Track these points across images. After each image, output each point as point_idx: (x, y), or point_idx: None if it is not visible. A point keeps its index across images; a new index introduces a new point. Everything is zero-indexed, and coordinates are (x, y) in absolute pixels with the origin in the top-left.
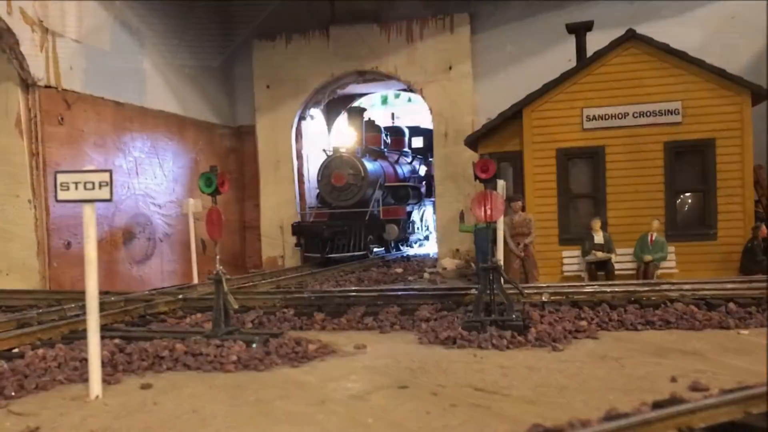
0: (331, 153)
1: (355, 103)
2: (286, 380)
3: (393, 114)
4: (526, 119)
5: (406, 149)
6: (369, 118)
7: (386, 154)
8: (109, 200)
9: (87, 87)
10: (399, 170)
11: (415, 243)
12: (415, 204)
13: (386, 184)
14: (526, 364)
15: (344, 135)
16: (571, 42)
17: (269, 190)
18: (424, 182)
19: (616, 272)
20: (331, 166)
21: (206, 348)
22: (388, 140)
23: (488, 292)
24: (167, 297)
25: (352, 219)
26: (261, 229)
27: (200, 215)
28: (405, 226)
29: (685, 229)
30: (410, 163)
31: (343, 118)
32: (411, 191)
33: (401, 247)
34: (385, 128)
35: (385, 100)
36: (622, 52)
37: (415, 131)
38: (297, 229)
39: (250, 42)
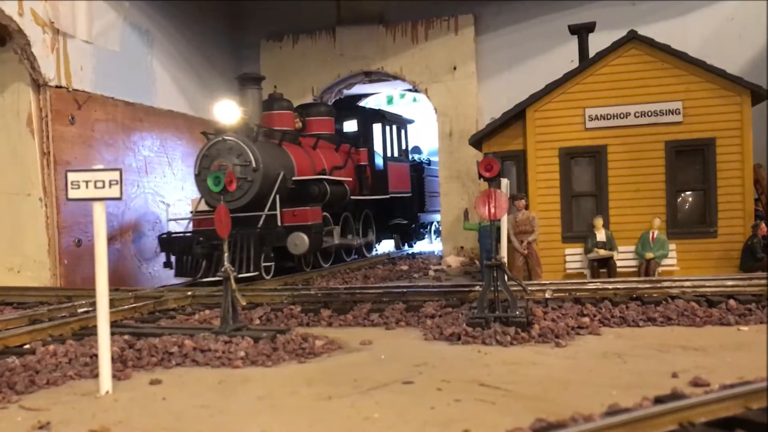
0: (213, 136)
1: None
2: (294, 376)
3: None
4: (530, 119)
5: (371, 136)
6: (275, 91)
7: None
8: (119, 199)
9: (97, 87)
10: (322, 160)
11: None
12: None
13: (295, 179)
14: (530, 359)
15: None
16: (574, 43)
17: None
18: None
19: (618, 269)
20: (211, 153)
21: (215, 344)
22: (299, 121)
23: (492, 289)
24: (176, 294)
25: (244, 227)
26: None
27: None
28: (330, 234)
29: (685, 227)
30: (402, 157)
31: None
32: (338, 189)
33: (410, 244)
34: (302, 105)
35: (390, 100)
36: (623, 53)
37: (348, 109)
38: (165, 243)
39: (257, 42)
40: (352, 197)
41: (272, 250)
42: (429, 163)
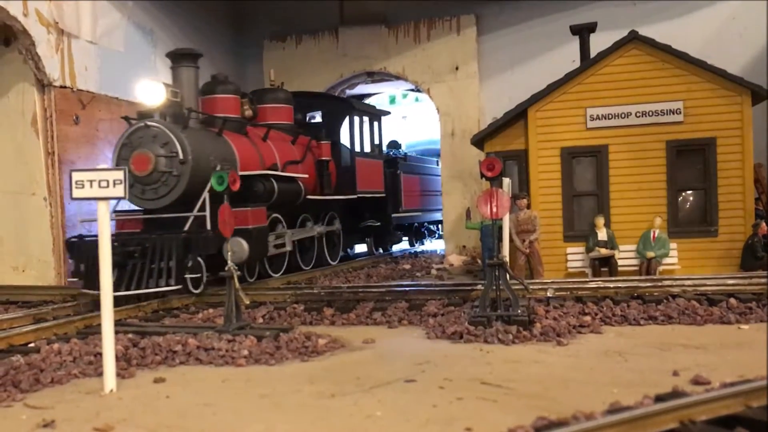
0: (136, 121)
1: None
2: (297, 374)
3: (404, 116)
4: (531, 119)
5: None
6: (220, 73)
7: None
8: (124, 198)
9: (101, 87)
10: (274, 153)
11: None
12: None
13: (242, 173)
14: (532, 358)
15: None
16: (575, 43)
17: None
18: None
19: (619, 268)
20: (132, 142)
21: (218, 343)
22: (249, 108)
23: (494, 287)
24: (180, 293)
25: (166, 230)
26: None
27: None
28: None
29: (686, 226)
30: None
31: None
32: (291, 187)
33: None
34: (255, 91)
35: (393, 100)
36: (624, 53)
37: (311, 97)
38: (73, 248)
39: (260, 42)
40: (310, 197)
41: (205, 259)
42: (406, 158)
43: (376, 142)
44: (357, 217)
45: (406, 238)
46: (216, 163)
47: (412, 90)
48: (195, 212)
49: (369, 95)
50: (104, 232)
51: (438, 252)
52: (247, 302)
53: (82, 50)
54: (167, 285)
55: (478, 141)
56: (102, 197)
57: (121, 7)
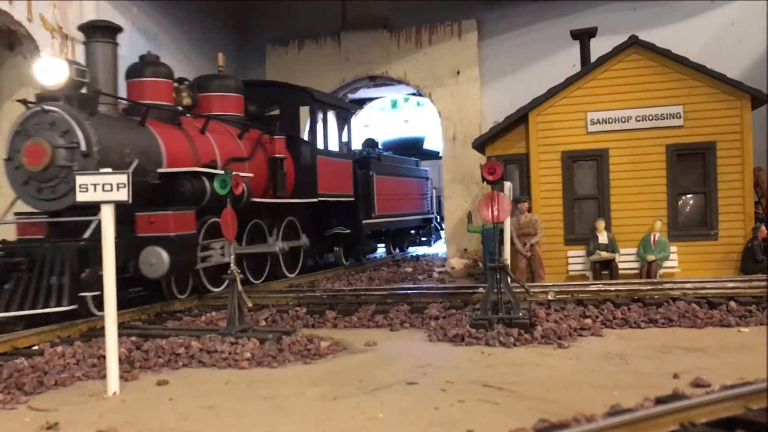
0: (33, 105)
1: (366, 108)
2: (299, 377)
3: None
4: (532, 123)
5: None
6: (149, 53)
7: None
8: (127, 201)
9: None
10: (213, 148)
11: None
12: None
13: (162, 171)
14: (533, 361)
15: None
16: (576, 48)
17: None
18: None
19: (620, 271)
20: (27, 129)
21: (221, 345)
22: (188, 96)
23: (495, 290)
24: (183, 296)
25: (62, 237)
26: None
27: None
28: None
29: (686, 230)
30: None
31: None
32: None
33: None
34: (200, 78)
35: (394, 104)
36: (625, 58)
37: (266, 86)
38: None
39: (263, 47)
40: (257, 200)
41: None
42: (380, 158)
43: (345, 139)
44: (323, 224)
45: (383, 246)
46: (133, 157)
47: (414, 94)
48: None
49: (371, 99)
50: (107, 237)
51: (440, 255)
52: (250, 305)
53: None
54: (58, 305)
55: (480, 145)
56: (106, 201)
57: (125, 11)
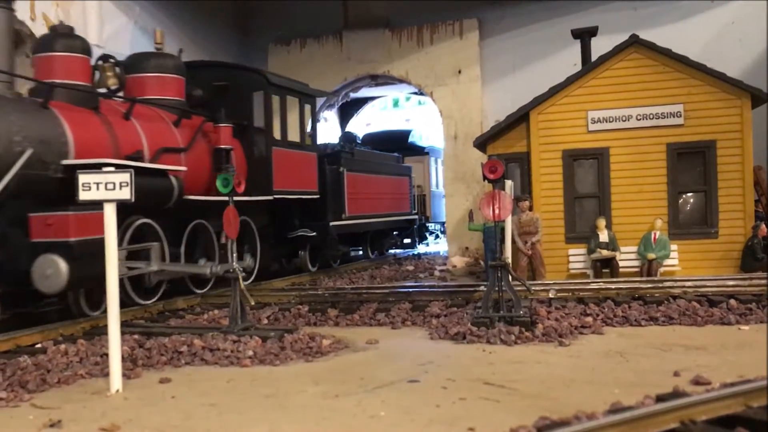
0: None
1: (366, 107)
2: (301, 374)
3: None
4: (533, 121)
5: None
6: (61, 22)
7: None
8: (130, 200)
9: None
10: (139, 137)
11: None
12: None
13: (68, 163)
14: (534, 358)
15: None
16: (576, 47)
17: None
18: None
19: (621, 270)
20: None
21: (223, 343)
22: (114, 76)
23: (497, 289)
24: (185, 294)
25: None
26: None
27: None
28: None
29: (687, 228)
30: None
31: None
32: (154, 183)
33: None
34: (134, 56)
35: (396, 103)
36: (625, 57)
37: (212, 67)
38: None
39: (265, 47)
40: (194, 197)
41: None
42: (353, 153)
43: (308, 129)
44: (286, 225)
45: (360, 249)
46: (25, 146)
47: (416, 93)
48: None
49: (373, 98)
50: (110, 235)
51: (441, 254)
52: (252, 303)
53: None
54: None
55: (481, 144)
56: (108, 199)
57: (128, 10)
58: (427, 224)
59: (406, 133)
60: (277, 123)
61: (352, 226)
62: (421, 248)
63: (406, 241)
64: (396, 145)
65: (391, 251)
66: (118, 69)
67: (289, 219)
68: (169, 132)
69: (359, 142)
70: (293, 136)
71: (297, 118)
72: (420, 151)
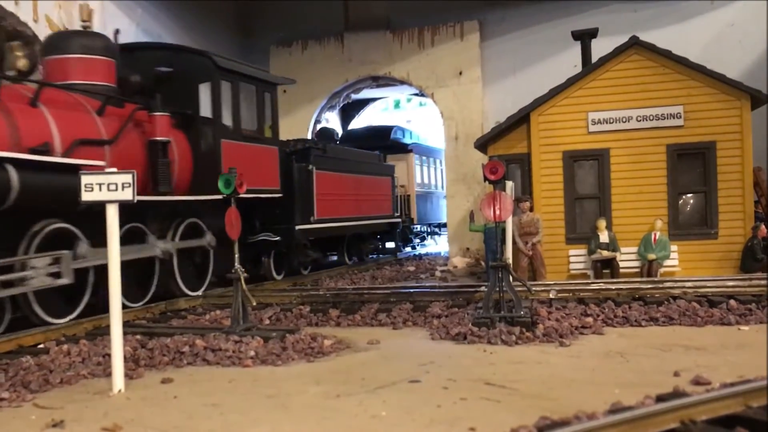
0: None
1: (368, 109)
2: (303, 375)
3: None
4: (534, 123)
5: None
6: None
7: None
8: (132, 201)
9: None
10: (49, 126)
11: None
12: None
13: None
14: (534, 359)
15: None
16: (577, 48)
17: None
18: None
19: (621, 270)
20: None
21: (225, 344)
22: (23, 57)
23: (497, 289)
24: (187, 295)
25: None
26: None
27: None
28: None
29: (687, 229)
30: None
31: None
32: (55, 181)
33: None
34: (54, 35)
35: (397, 104)
36: (625, 58)
37: (153, 52)
38: None
39: (267, 48)
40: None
41: None
42: (325, 149)
43: (267, 121)
44: (247, 229)
45: (335, 255)
46: None
47: (417, 94)
48: None
49: (374, 100)
50: (113, 236)
51: (442, 254)
52: (254, 303)
53: None
54: None
55: (482, 145)
56: (111, 200)
57: (130, 12)
58: (412, 227)
59: (387, 130)
60: (227, 113)
61: (322, 230)
62: (419, 249)
63: (390, 245)
64: (377, 142)
65: (376, 256)
66: (28, 49)
67: (249, 221)
68: (90, 121)
69: (337, 138)
70: (249, 128)
71: (253, 106)
72: (403, 149)
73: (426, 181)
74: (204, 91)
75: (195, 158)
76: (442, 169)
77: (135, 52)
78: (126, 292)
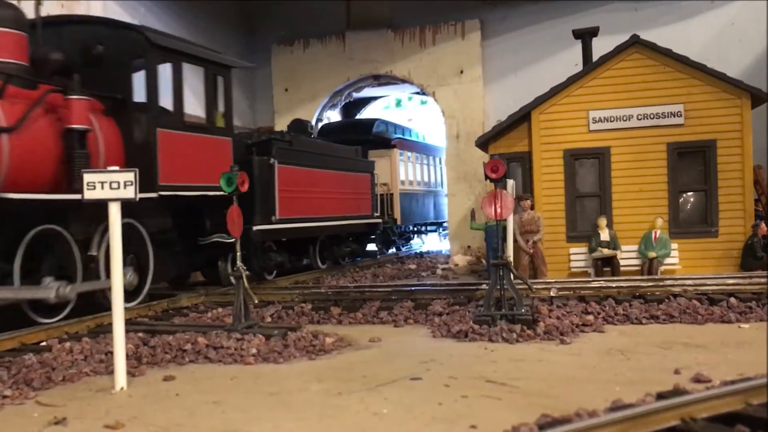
0: None
1: (369, 107)
2: (304, 372)
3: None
4: (535, 121)
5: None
6: None
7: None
8: (134, 199)
9: None
10: None
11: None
12: None
13: None
14: (535, 356)
15: None
16: (578, 47)
17: None
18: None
19: (622, 268)
20: None
21: (227, 341)
22: None
23: (498, 287)
24: (190, 292)
25: None
26: None
27: None
28: None
29: (687, 227)
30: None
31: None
32: None
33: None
34: None
35: (399, 103)
36: (626, 57)
37: (77, 27)
38: None
39: (269, 47)
40: (16, 195)
41: None
42: (292, 142)
43: (220, 108)
44: (196, 229)
45: (306, 260)
46: None
47: (418, 93)
48: None
49: (375, 98)
50: (116, 234)
51: (443, 252)
52: (256, 301)
53: None
54: None
55: (483, 143)
56: (113, 198)
57: (133, 11)
58: (395, 228)
59: (369, 123)
60: (167, 98)
61: (286, 231)
62: (404, 251)
63: (371, 247)
64: (358, 136)
65: (353, 260)
66: None
67: (200, 221)
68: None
69: (311, 131)
70: (195, 116)
71: (200, 91)
72: (386, 144)
73: (413, 178)
74: (137, 73)
75: (126, 150)
76: (435, 166)
77: (62, 27)
78: (35, 307)
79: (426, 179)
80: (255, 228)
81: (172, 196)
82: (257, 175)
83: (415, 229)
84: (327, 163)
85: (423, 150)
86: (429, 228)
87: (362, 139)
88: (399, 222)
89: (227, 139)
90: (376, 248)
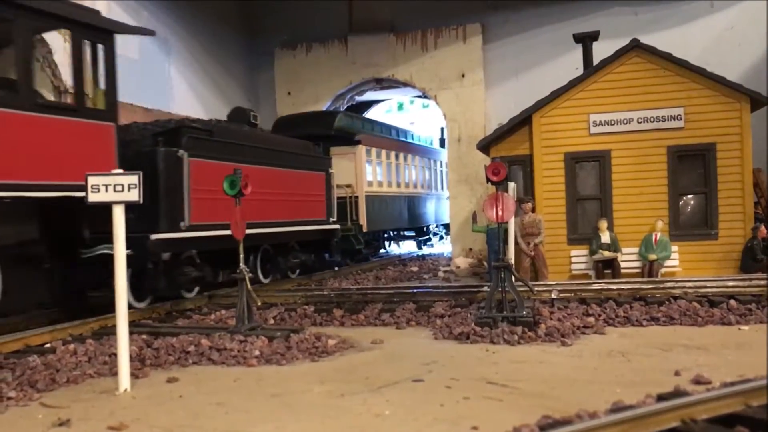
0: None
1: (372, 110)
2: (307, 374)
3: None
4: (536, 124)
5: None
6: None
7: None
8: (138, 202)
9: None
10: None
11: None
12: None
13: None
14: (536, 358)
15: None
16: (578, 51)
17: None
18: None
19: (622, 270)
20: None
21: (230, 343)
22: None
23: (500, 289)
24: (193, 294)
25: None
26: None
27: None
28: None
29: (687, 229)
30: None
31: None
32: None
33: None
34: None
35: (401, 107)
36: (626, 61)
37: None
38: None
39: (272, 51)
40: None
41: None
42: (210, 132)
43: (100, 86)
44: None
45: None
46: None
47: (420, 96)
48: None
49: (377, 102)
50: (120, 237)
51: (445, 255)
52: (259, 303)
53: None
54: None
55: (484, 146)
56: (117, 201)
57: (136, 15)
58: (359, 236)
59: (330, 116)
60: (10, 70)
61: (198, 240)
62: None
63: (330, 256)
64: (318, 131)
65: (302, 272)
66: None
67: (77, 229)
68: None
69: (255, 121)
70: (51, 90)
71: (68, 65)
72: (350, 140)
73: (383, 179)
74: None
75: None
76: (429, 168)
77: None
78: None
79: (407, 180)
80: (154, 237)
81: (18, 198)
82: (162, 170)
83: (387, 236)
84: (266, 159)
85: (403, 149)
86: (406, 233)
87: (322, 135)
88: (365, 228)
89: (109, 124)
90: (331, 258)
